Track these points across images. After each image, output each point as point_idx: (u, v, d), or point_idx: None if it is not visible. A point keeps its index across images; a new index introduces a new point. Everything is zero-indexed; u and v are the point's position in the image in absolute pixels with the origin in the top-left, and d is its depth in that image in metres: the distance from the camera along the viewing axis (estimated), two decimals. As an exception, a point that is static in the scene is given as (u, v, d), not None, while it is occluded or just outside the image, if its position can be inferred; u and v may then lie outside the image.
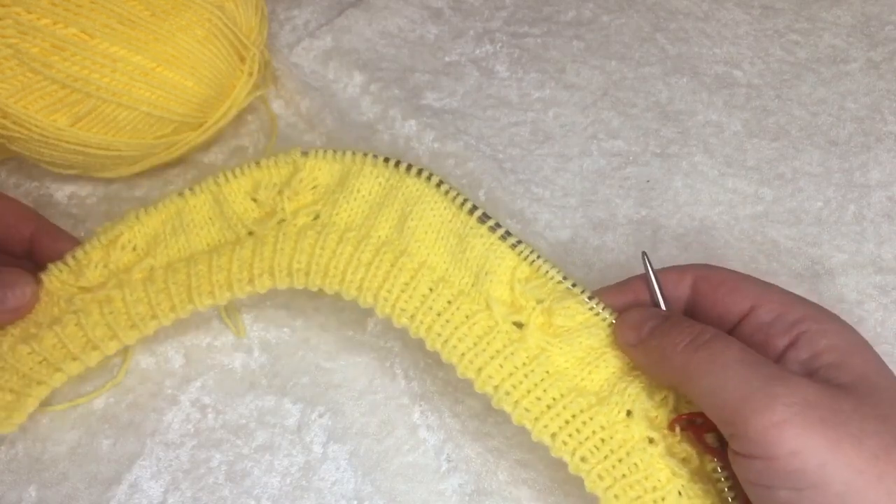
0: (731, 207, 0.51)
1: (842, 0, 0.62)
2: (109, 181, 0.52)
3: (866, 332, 0.45)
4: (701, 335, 0.34)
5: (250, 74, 0.51)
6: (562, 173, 0.53)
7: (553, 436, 0.36)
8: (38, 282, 0.41)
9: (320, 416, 0.43)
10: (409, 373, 0.44)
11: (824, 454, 0.29)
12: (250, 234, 0.42)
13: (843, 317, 0.46)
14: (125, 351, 0.45)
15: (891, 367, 0.45)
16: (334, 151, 0.43)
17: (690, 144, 0.54)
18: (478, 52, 0.60)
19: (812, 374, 0.33)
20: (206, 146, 0.54)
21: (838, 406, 0.30)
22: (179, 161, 0.53)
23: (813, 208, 0.51)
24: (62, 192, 0.52)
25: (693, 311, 0.39)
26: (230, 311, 0.46)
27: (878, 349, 0.45)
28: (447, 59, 0.59)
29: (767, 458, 0.30)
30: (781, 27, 0.61)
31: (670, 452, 0.36)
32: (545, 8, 0.62)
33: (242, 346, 0.45)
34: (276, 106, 0.56)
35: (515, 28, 0.61)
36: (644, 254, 0.40)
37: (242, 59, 0.50)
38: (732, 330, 0.36)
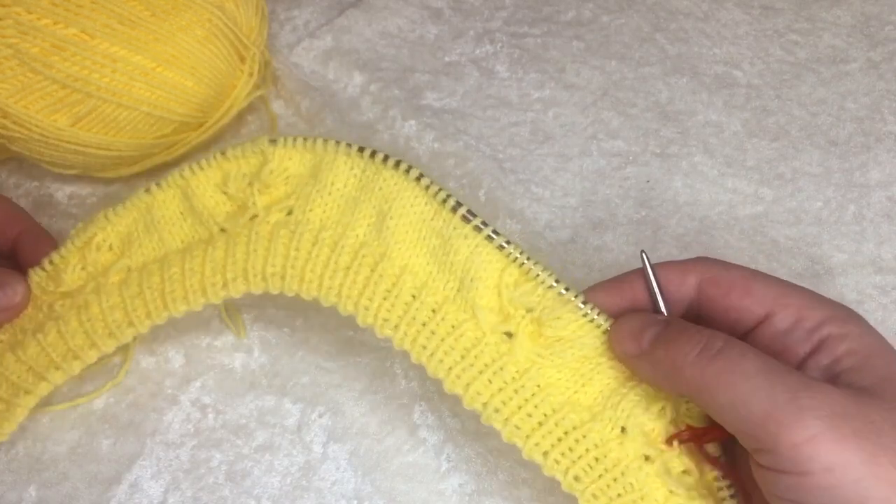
0: (730, 207, 0.51)
1: (842, 0, 0.62)
2: (110, 181, 0.52)
3: (866, 332, 0.46)
4: (712, 342, 0.32)
5: (250, 74, 0.51)
6: (562, 173, 0.53)
7: (545, 454, 0.35)
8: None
9: (320, 415, 0.43)
10: (409, 373, 0.44)
11: (860, 469, 0.28)
12: (223, 230, 0.40)
13: (844, 317, 0.46)
14: (125, 351, 0.45)
15: (891, 367, 0.45)
16: (304, 139, 0.40)
17: (690, 144, 0.54)
18: (478, 52, 0.60)
19: (833, 379, 0.32)
20: (207, 146, 0.54)
21: (868, 415, 0.29)
22: (180, 161, 0.53)
23: (813, 208, 0.51)
24: (62, 192, 0.52)
25: (698, 316, 0.36)
26: (230, 312, 0.46)
27: (878, 349, 0.45)
28: (447, 59, 0.59)
29: (799, 474, 0.29)
30: (781, 27, 0.61)
31: (667, 470, 0.35)
32: (545, 8, 0.62)
33: (242, 346, 0.45)
34: (277, 106, 0.56)
35: (515, 28, 0.61)
36: (643, 252, 0.38)
37: (242, 60, 0.50)
38: (745, 336, 0.34)
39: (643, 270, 0.38)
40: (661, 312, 0.38)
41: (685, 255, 0.49)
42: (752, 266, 0.48)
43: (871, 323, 0.46)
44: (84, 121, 0.45)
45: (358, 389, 0.44)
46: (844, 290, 0.47)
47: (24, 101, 0.43)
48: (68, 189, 0.52)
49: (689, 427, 0.35)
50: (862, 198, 0.51)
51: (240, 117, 0.55)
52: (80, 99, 0.44)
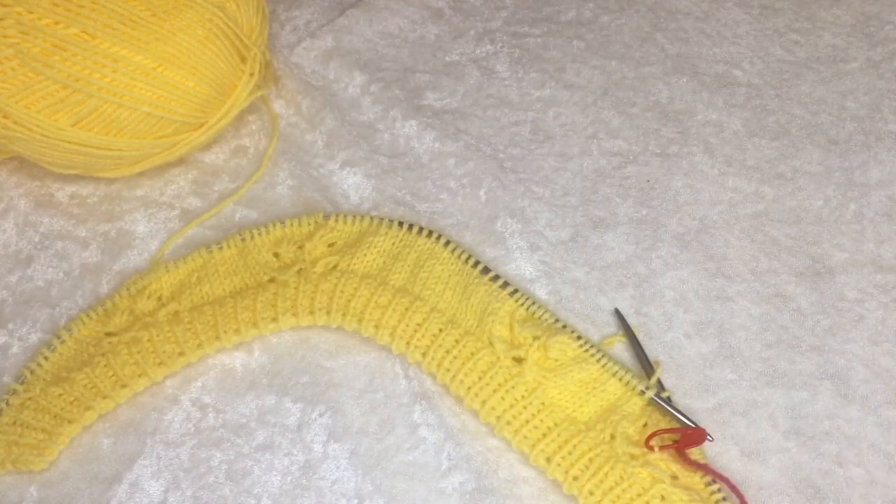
0: (731, 206, 0.51)
1: (842, 0, 0.62)
2: (111, 180, 0.52)
3: (867, 331, 0.46)
4: None
5: (251, 74, 0.51)
6: (562, 172, 0.53)
7: (548, 459, 0.40)
8: (69, 330, 0.44)
9: (321, 415, 0.43)
10: (409, 372, 0.44)
11: None
12: (271, 280, 0.46)
13: (844, 315, 0.46)
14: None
15: (890, 365, 0.45)
16: (353, 216, 0.48)
17: (690, 144, 0.54)
18: (478, 51, 0.60)
19: None
20: (208, 146, 0.54)
21: None
22: (181, 161, 0.53)
23: (813, 207, 0.51)
24: (63, 192, 0.52)
25: None
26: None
27: (878, 348, 0.45)
28: (448, 59, 0.60)
29: None
30: (781, 27, 0.61)
31: (651, 463, 0.40)
32: (545, 8, 0.63)
33: (243, 345, 0.45)
34: (278, 106, 0.57)
35: (516, 28, 0.61)
36: (617, 311, 0.45)
37: (243, 59, 0.50)
38: None
39: (626, 331, 0.43)
40: (648, 365, 0.44)
41: (685, 254, 0.49)
42: (753, 265, 0.49)
43: (872, 322, 0.46)
44: (85, 121, 0.45)
45: (358, 388, 0.44)
46: (845, 288, 0.47)
47: (26, 101, 0.43)
48: (69, 189, 0.52)
49: (664, 430, 0.40)
50: (862, 197, 0.51)
51: (241, 117, 0.55)
52: (81, 99, 0.44)
